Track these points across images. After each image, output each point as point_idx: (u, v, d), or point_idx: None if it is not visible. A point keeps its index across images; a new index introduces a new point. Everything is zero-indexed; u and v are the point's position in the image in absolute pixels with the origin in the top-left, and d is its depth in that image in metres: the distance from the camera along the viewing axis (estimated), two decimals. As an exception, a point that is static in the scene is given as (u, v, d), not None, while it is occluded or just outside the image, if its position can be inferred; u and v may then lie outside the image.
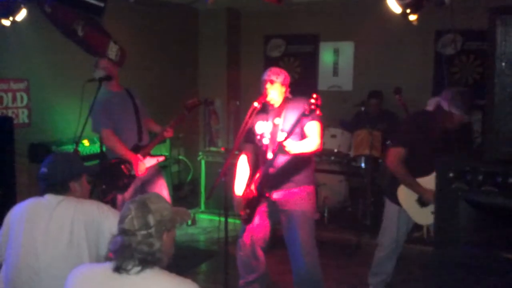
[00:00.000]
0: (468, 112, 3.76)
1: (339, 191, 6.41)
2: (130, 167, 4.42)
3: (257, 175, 3.82)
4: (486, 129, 2.90)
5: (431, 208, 3.84)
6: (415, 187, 3.84)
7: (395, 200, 3.97)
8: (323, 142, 6.18)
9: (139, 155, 4.44)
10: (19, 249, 2.56)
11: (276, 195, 3.84)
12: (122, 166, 4.40)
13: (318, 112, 3.39)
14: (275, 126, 3.78)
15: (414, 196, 3.88)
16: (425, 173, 3.79)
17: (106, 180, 4.32)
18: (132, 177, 4.43)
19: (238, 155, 4.13)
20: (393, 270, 4.15)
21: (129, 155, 4.40)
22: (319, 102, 3.37)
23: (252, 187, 3.83)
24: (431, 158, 3.73)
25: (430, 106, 3.90)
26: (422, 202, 3.88)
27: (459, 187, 2.50)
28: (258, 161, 3.94)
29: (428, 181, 3.78)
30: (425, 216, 3.89)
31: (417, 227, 5.21)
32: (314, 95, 3.39)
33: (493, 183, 2.42)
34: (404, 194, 3.91)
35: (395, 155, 3.87)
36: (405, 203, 3.92)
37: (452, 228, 2.56)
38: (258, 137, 3.87)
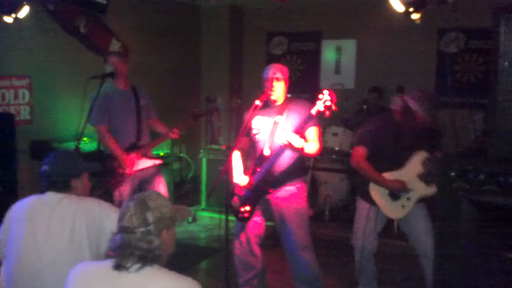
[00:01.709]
0: (433, 115, 3.80)
1: (341, 189, 6.40)
2: (124, 164, 4.41)
3: (255, 170, 3.80)
4: (488, 128, 2.89)
5: (402, 201, 3.90)
6: (381, 181, 3.90)
7: (366, 199, 4.00)
8: (324, 140, 6.25)
9: (133, 154, 4.44)
10: (20, 247, 2.56)
11: (274, 192, 3.84)
12: (115, 163, 4.40)
13: (334, 107, 3.44)
14: (275, 123, 3.78)
15: (386, 191, 3.93)
16: (392, 168, 3.87)
17: (98, 174, 4.31)
18: (125, 174, 4.43)
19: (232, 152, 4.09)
20: (375, 265, 4.16)
21: (118, 152, 4.39)
22: (334, 98, 3.42)
23: (247, 178, 3.82)
24: (395, 155, 3.85)
25: (395, 104, 3.95)
26: (394, 196, 3.92)
27: (461, 186, 2.50)
28: (252, 154, 3.93)
29: (398, 175, 3.87)
30: (397, 210, 3.94)
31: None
32: (327, 91, 3.46)
33: (495, 182, 2.42)
34: (376, 190, 3.95)
35: (358, 154, 3.95)
36: (377, 199, 3.96)
37: (453, 228, 2.55)
38: (255, 131, 3.86)
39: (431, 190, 3.81)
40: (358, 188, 4.19)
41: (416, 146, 3.85)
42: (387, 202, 3.94)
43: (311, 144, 3.69)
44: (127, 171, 4.40)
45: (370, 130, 4.00)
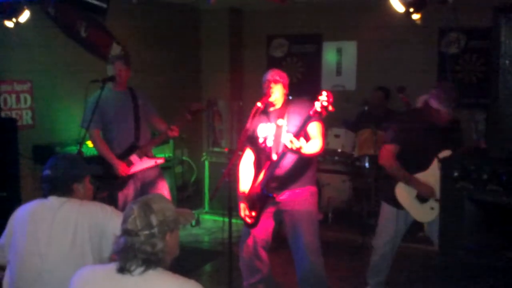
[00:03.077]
0: (454, 108, 3.81)
1: (343, 191, 6.39)
2: (117, 169, 4.41)
3: (261, 176, 3.80)
4: (490, 128, 2.89)
5: (430, 203, 3.85)
6: (411, 182, 3.85)
7: (392, 202, 3.96)
8: (326, 142, 6.24)
9: (131, 157, 4.45)
10: (22, 251, 2.56)
11: (280, 195, 3.83)
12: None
13: (331, 108, 3.41)
14: (278, 127, 3.77)
15: (413, 193, 3.88)
16: (419, 169, 3.84)
17: (100, 176, 4.33)
18: (127, 176, 4.43)
19: (242, 156, 4.10)
20: (389, 267, 4.14)
21: (111, 157, 4.40)
22: (331, 99, 3.39)
23: (256, 185, 3.81)
24: (423, 154, 3.80)
25: (419, 103, 3.94)
26: (421, 198, 3.88)
27: (464, 186, 2.50)
28: (260, 163, 3.92)
29: (424, 176, 3.82)
30: (426, 213, 3.89)
31: (420, 227, 5.21)
32: (325, 92, 3.41)
33: (497, 182, 2.42)
34: (403, 193, 3.90)
35: (388, 152, 3.91)
36: (404, 202, 3.91)
37: (456, 227, 2.55)
38: (262, 139, 3.85)
39: None
40: (382, 191, 4.13)
41: (442, 145, 3.80)
42: (415, 205, 3.88)
43: (313, 141, 3.64)
44: (122, 174, 4.39)
45: (399, 127, 3.95)
